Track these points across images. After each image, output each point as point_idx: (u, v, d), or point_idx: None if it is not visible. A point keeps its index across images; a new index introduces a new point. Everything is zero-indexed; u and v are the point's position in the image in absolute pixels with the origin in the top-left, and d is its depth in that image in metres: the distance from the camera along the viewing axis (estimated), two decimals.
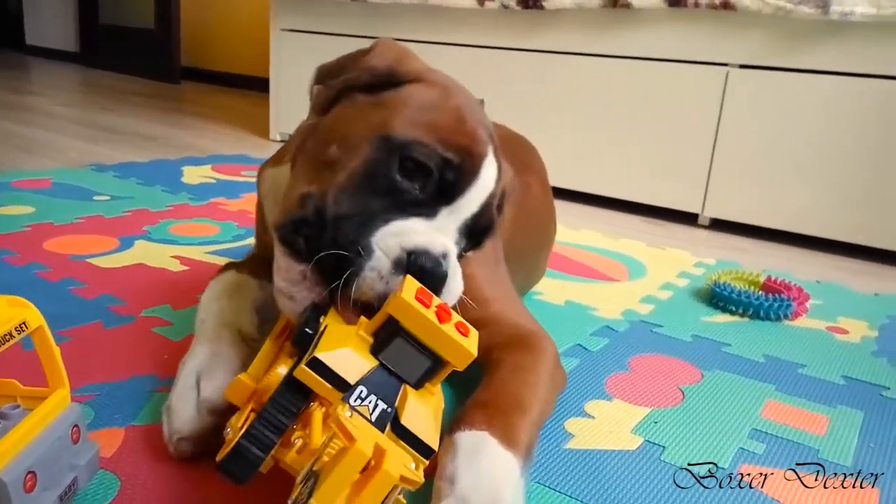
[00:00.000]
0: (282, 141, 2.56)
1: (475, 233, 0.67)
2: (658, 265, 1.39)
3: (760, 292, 1.16)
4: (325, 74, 0.75)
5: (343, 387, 0.51)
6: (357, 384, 0.51)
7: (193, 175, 1.84)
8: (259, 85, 3.78)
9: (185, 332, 0.89)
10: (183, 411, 0.62)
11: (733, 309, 1.14)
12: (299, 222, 0.62)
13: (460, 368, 0.55)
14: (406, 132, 0.63)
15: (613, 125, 1.87)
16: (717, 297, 1.17)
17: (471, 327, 0.57)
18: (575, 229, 1.61)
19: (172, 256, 1.18)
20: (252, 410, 0.54)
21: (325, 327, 0.56)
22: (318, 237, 0.61)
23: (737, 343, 1.02)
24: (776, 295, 1.15)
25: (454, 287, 0.63)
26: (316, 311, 0.58)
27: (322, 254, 0.59)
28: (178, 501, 0.58)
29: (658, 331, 1.05)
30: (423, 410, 0.52)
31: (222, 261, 1.18)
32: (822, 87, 1.59)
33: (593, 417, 0.78)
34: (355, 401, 0.51)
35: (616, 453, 0.71)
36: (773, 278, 1.22)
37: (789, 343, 1.04)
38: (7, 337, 0.51)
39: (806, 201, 1.64)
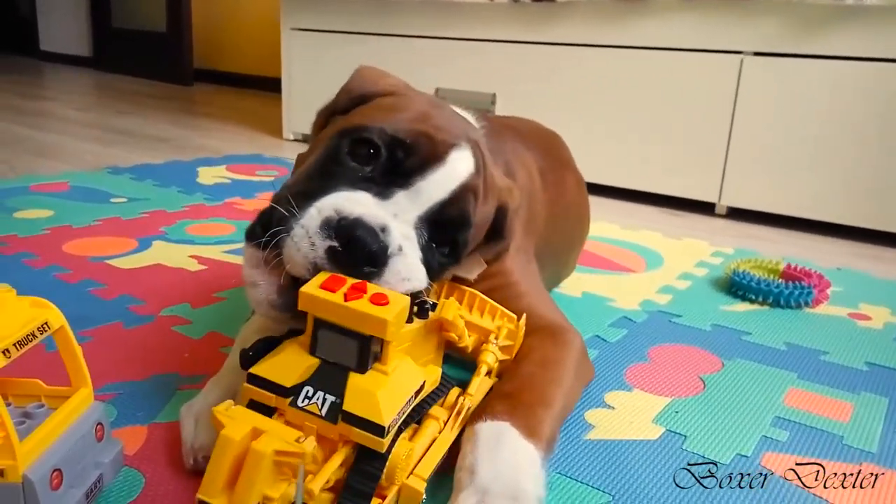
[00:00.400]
0: (295, 140, 2.56)
1: (442, 225, 0.64)
2: (675, 255, 1.38)
3: (780, 280, 1.15)
4: (320, 112, 0.77)
5: (284, 392, 0.52)
6: (302, 385, 0.52)
7: (208, 176, 1.85)
8: (271, 85, 3.80)
9: (204, 330, 0.90)
10: (205, 429, 0.61)
11: (753, 297, 1.13)
12: (262, 215, 0.63)
13: (385, 337, 0.52)
14: (359, 123, 0.65)
15: (628, 116, 1.86)
16: (736, 286, 1.16)
17: (392, 295, 0.55)
18: (591, 221, 1.60)
19: (190, 256, 1.19)
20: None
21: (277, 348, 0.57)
22: (275, 223, 0.60)
23: (757, 331, 1.01)
24: (796, 282, 1.13)
25: (402, 270, 0.59)
26: (267, 343, 0.57)
27: (272, 230, 0.58)
28: None
29: (677, 321, 1.04)
30: (366, 391, 0.51)
31: (239, 259, 1.18)
32: (839, 73, 1.57)
33: (613, 408, 0.77)
34: (303, 401, 0.52)
35: (637, 443, 0.71)
36: (792, 266, 1.20)
37: (811, 330, 1.03)
38: (30, 337, 0.52)
39: (824, 188, 1.62)
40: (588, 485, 0.63)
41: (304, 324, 0.56)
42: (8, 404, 0.56)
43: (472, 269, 0.73)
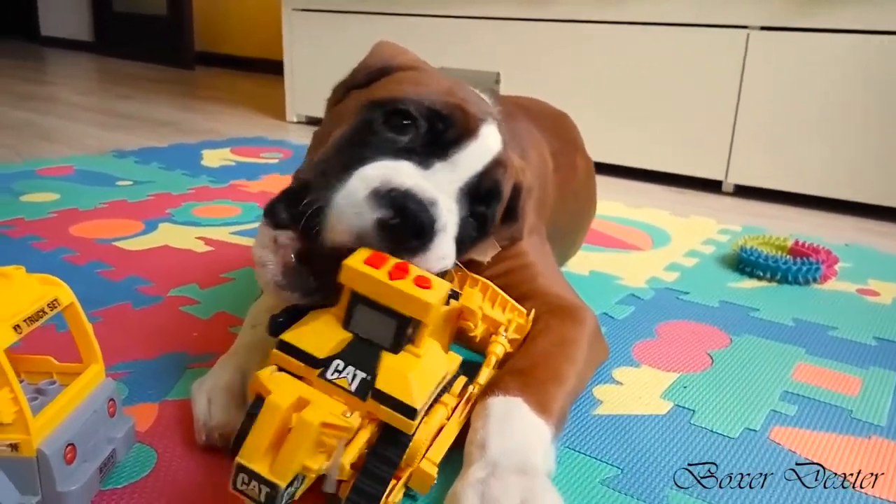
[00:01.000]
0: (298, 122, 2.56)
1: (479, 197, 0.64)
2: (682, 233, 1.38)
3: (788, 256, 1.15)
4: (336, 87, 0.76)
5: (314, 363, 0.52)
6: (332, 358, 0.52)
7: (213, 158, 1.85)
8: (273, 67, 3.78)
9: (212, 310, 0.90)
10: (218, 406, 0.62)
11: (761, 274, 1.13)
12: (287, 193, 0.61)
13: (425, 320, 0.52)
14: (391, 94, 0.64)
15: (633, 93, 1.85)
16: (743, 263, 1.15)
17: (435, 279, 0.54)
18: (598, 200, 1.60)
19: (197, 238, 1.19)
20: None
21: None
22: (299, 201, 0.57)
23: (765, 308, 1.01)
24: (804, 258, 1.13)
25: (442, 248, 0.58)
26: (293, 312, 0.56)
27: (307, 202, 0.56)
28: (214, 473, 0.59)
29: (684, 298, 1.04)
30: (400, 371, 0.51)
31: (246, 241, 1.19)
32: (846, 47, 1.55)
33: (622, 384, 0.78)
34: (332, 374, 0.51)
35: (646, 418, 0.71)
36: (800, 242, 1.20)
37: (819, 306, 1.03)
38: (40, 313, 0.52)
39: (832, 164, 1.61)
40: (597, 458, 0.63)
41: (312, 303, 0.55)
42: (20, 381, 0.56)
43: (487, 252, 0.73)
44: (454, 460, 0.58)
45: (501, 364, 0.69)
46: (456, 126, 0.63)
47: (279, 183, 1.60)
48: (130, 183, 1.54)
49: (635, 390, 0.76)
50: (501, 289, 0.71)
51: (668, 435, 0.68)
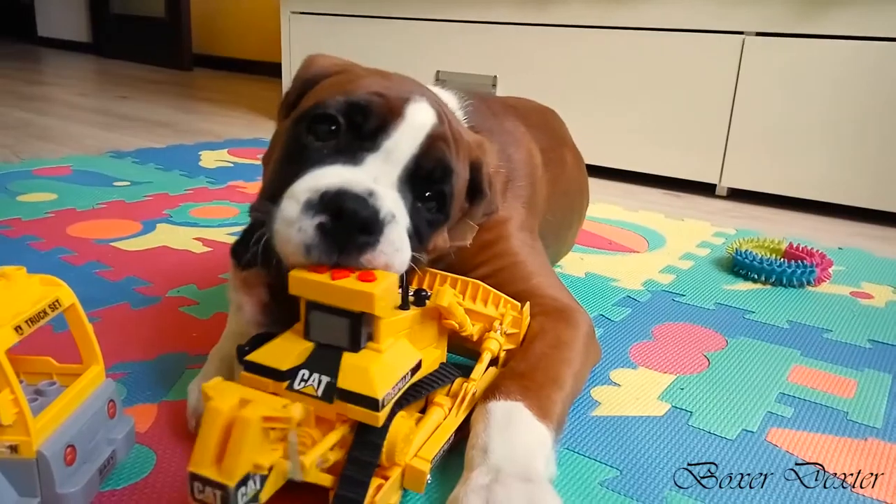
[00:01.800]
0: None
1: (423, 179, 0.62)
2: (677, 236, 1.38)
3: (782, 259, 1.15)
4: (278, 111, 0.76)
5: (280, 377, 0.52)
6: (298, 368, 0.53)
7: (210, 159, 1.85)
8: (271, 70, 3.78)
9: (211, 310, 0.90)
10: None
11: (755, 276, 1.14)
12: (244, 233, 0.62)
13: (373, 312, 0.52)
14: (309, 104, 0.64)
15: (629, 98, 1.85)
16: (738, 266, 1.16)
17: (379, 272, 0.54)
18: (592, 202, 1.60)
19: (195, 238, 1.19)
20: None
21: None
22: (255, 229, 0.58)
23: (760, 310, 1.02)
24: (799, 261, 1.14)
25: (396, 239, 0.56)
26: (262, 338, 0.57)
27: (255, 238, 0.56)
28: None
29: (680, 300, 1.04)
30: (359, 367, 0.52)
31: None
32: (841, 53, 1.56)
33: (619, 385, 0.78)
34: (299, 384, 0.52)
35: (643, 419, 0.71)
36: (794, 245, 1.21)
37: (813, 309, 1.03)
38: (41, 314, 0.52)
39: (826, 169, 1.62)
40: (596, 459, 0.64)
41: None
42: (20, 382, 0.56)
43: (465, 235, 0.72)
44: (452, 465, 0.59)
45: (499, 360, 0.70)
46: (376, 113, 0.61)
47: None
48: (128, 183, 1.54)
49: (633, 392, 0.77)
50: (493, 289, 0.71)
51: (666, 436, 0.68)
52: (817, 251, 1.18)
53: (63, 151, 1.87)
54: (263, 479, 0.47)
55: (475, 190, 0.71)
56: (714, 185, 1.80)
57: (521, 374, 0.64)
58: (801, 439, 0.69)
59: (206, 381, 0.63)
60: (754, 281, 1.14)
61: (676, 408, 0.74)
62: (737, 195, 1.79)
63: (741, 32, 1.68)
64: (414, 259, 0.61)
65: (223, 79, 3.95)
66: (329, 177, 0.56)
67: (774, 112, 1.66)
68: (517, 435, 0.57)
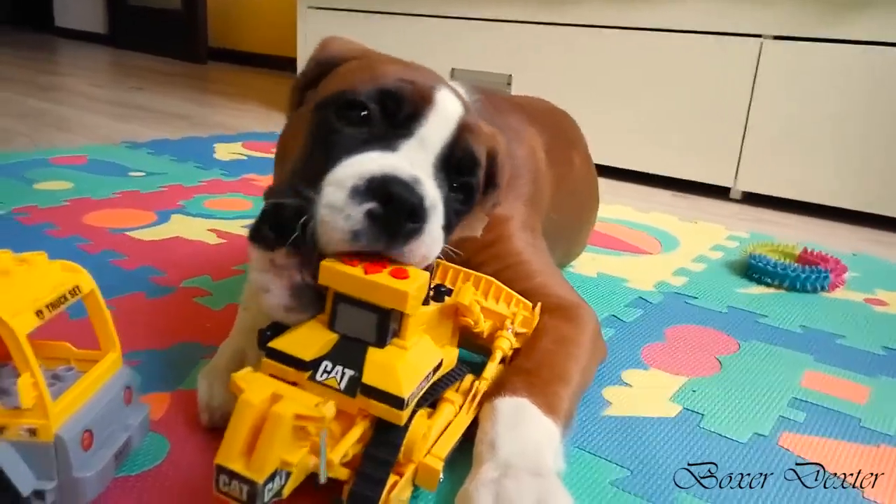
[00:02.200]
0: None
1: (456, 168, 0.62)
2: (691, 238, 1.38)
3: (797, 264, 1.15)
4: (291, 91, 0.74)
5: (303, 366, 0.52)
6: (321, 360, 0.52)
7: (225, 152, 1.85)
8: (285, 64, 3.79)
9: (224, 301, 0.91)
10: (219, 388, 0.63)
11: (769, 281, 1.13)
12: (266, 215, 0.60)
13: (404, 310, 0.52)
14: (338, 88, 0.63)
15: (644, 99, 1.85)
16: (752, 269, 1.16)
17: (412, 270, 0.54)
18: (606, 203, 1.60)
19: (209, 230, 1.20)
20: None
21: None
22: (282, 218, 0.56)
23: (773, 314, 1.01)
24: (813, 266, 1.13)
25: (435, 229, 0.56)
26: (280, 326, 0.56)
27: (283, 225, 0.55)
28: None
29: (693, 302, 1.04)
30: (385, 364, 0.52)
31: None
32: (859, 58, 1.55)
33: (630, 386, 0.78)
34: (321, 375, 0.52)
35: (654, 420, 0.71)
36: (809, 250, 1.20)
37: (827, 314, 1.03)
38: (61, 300, 0.53)
39: (842, 174, 1.61)
40: (606, 459, 0.64)
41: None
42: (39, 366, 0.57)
43: (475, 226, 0.72)
44: (461, 462, 0.59)
45: (507, 360, 0.70)
46: (409, 100, 0.60)
47: None
48: (143, 174, 1.55)
49: (644, 393, 0.77)
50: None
51: (677, 438, 0.68)
52: (832, 257, 1.17)
53: (79, 141, 1.88)
54: (288, 474, 0.47)
55: (489, 181, 0.70)
56: (729, 189, 1.79)
57: (527, 371, 0.64)
58: (813, 444, 0.69)
59: (214, 374, 0.64)
60: (768, 285, 1.13)
61: (688, 410, 0.74)
62: (751, 199, 1.78)
63: (759, 36, 1.67)
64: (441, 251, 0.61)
65: (238, 72, 3.96)
66: (372, 163, 0.55)
67: (791, 116, 1.65)
68: (525, 430, 0.57)
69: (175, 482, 0.57)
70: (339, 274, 0.53)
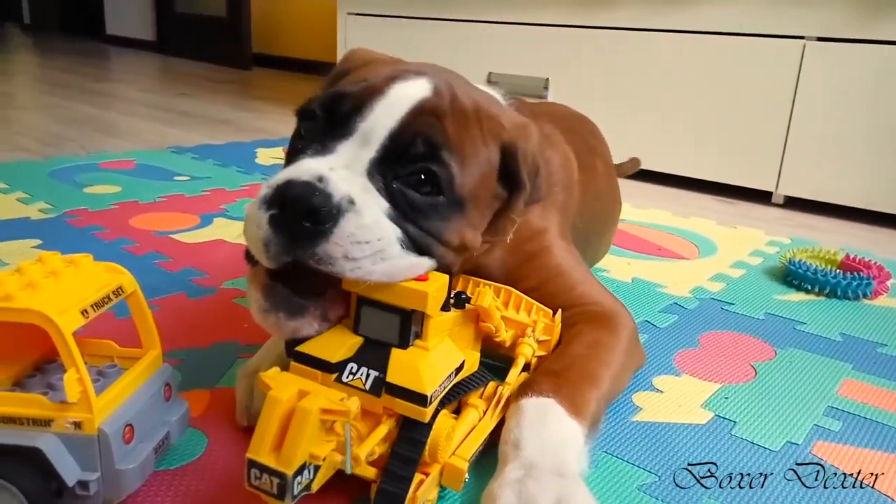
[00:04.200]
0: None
1: (405, 158, 0.56)
2: (729, 243, 1.36)
3: (838, 270, 1.13)
4: None
5: (329, 369, 0.54)
6: (346, 362, 0.54)
7: (266, 157, 1.89)
8: (327, 70, 3.83)
9: None
10: (258, 392, 0.63)
11: (809, 287, 1.11)
12: None
13: (424, 310, 0.54)
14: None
15: (684, 102, 1.83)
16: (792, 276, 1.14)
17: (432, 273, 0.56)
18: (642, 208, 1.59)
19: None
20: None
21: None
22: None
23: (812, 321, 1.00)
24: (855, 273, 1.11)
25: (355, 231, 0.52)
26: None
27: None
28: None
29: (729, 308, 1.03)
30: (409, 364, 0.53)
31: None
32: None
33: (662, 392, 0.78)
34: (347, 377, 0.54)
35: (685, 427, 0.71)
36: (851, 256, 1.18)
37: (868, 322, 1.01)
38: (105, 300, 0.55)
39: (887, 179, 1.57)
40: (635, 464, 0.64)
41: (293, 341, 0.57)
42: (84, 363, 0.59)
43: (505, 229, 0.67)
44: (487, 462, 0.60)
45: (531, 366, 0.70)
46: (352, 98, 0.57)
47: None
48: (188, 178, 1.60)
49: (675, 399, 0.76)
50: (539, 301, 0.72)
51: (707, 445, 0.68)
52: (875, 263, 1.15)
53: (127, 146, 1.95)
54: (317, 468, 0.49)
55: (511, 178, 0.65)
56: (770, 193, 1.76)
57: (555, 373, 0.64)
58: (847, 454, 0.68)
59: (255, 376, 0.65)
60: (807, 292, 1.11)
61: (720, 417, 0.73)
62: (793, 203, 1.75)
63: (802, 37, 1.64)
64: (438, 256, 0.59)
65: (281, 78, 4.03)
66: (289, 170, 0.54)
67: (835, 119, 1.62)
68: (549, 430, 0.58)
69: (213, 476, 0.59)
70: None
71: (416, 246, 0.57)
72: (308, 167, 0.54)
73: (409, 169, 0.57)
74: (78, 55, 4.52)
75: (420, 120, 0.57)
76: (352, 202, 0.53)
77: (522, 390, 0.62)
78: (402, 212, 0.56)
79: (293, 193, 0.51)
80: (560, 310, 0.72)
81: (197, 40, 4.60)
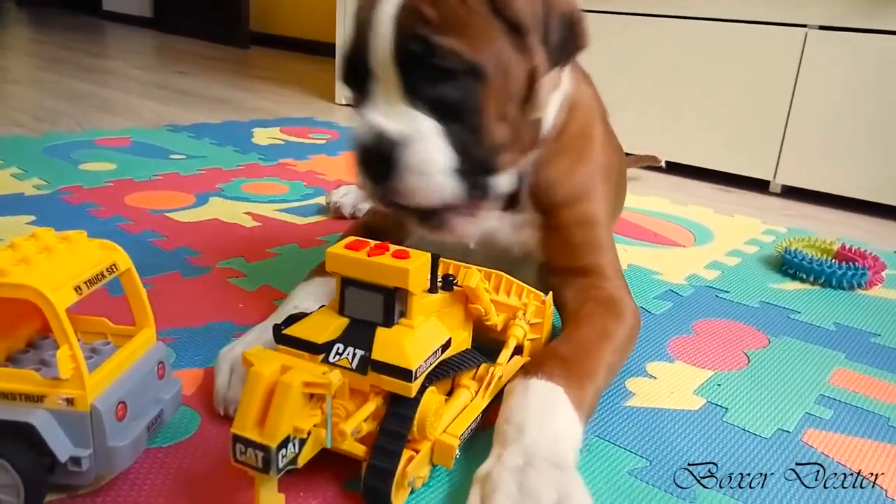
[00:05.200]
0: (347, 104, 2.58)
1: (416, 65, 0.61)
2: (726, 232, 1.36)
3: (833, 260, 1.13)
4: None
5: (316, 350, 0.55)
6: (332, 342, 0.55)
7: (263, 136, 1.88)
8: (325, 49, 3.81)
9: (258, 283, 0.93)
10: (240, 378, 0.63)
11: (804, 277, 1.12)
12: None
13: (407, 287, 0.54)
14: None
15: (683, 89, 1.82)
16: (787, 265, 1.14)
17: (413, 251, 0.57)
18: (640, 194, 1.59)
19: (245, 213, 1.22)
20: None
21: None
22: None
23: (806, 310, 1.00)
24: (850, 263, 1.11)
25: (416, 162, 0.61)
26: (297, 318, 0.59)
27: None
28: None
29: (724, 296, 1.03)
30: (393, 341, 0.54)
31: (291, 218, 1.22)
32: None
33: (655, 378, 0.78)
34: (334, 357, 0.55)
35: (677, 412, 0.71)
36: (847, 246, 1.18)
37: (862, 312, 1.01)
38: (99, 276, 0.55)
39: (886, 169, 1.57)
40: (626, 449, 0.64)
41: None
42: (77, 340, 0.59)
43: (539, 99, 0.66)
44: (477, 442, 0.60)
45: (524, 349, 0.71)
46: (356, 44, 0.64)
47: (326, 163, 1.63)
48: (183, 157, 1.59)
49: (668, 385, 0.76)
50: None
51: (699, 430, 0.68)
52: (870, 253, 1.15)
53: (123, 123, 1.93)
54: (302, 443, 0.49)
55: (565, 39, 0.66)
56: (768, 182, 1.76)
57: (564, 359, 0.63)
58: (837, 442, 0.68)
59: (238, 358, 0.64)
60: (802, 281, 1.12)
61: (712, 403, 0.73)
62: (791, 193, 1.75)
63: (804, 25, 1.63)
64: (482, 171, 0.65)
65: (279, 57, 4.00)
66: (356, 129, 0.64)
67: (835, 109, 1.61)
68: (554, 421, 0.57)
69: (205, 455, 0.59)
70: (344, 259, 0.56)
71: (468, 155, 0.63)
72: (364, 122, 0.62)
73: (428, 73, 0.61)
74: (74, 31, 4.48)
75: (404, 25, 0.60)
76: (403, 137, 0.60)
77: (530, 368, 0.62)
78: (443, 114, 0.62)
79: (359, 140, 0.61)
80: (551, 293, 0.72)
81: (194, 18, 4.55)
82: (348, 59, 0.65)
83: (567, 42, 0.68)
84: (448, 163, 0.61)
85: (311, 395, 0.50)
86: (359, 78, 0.64)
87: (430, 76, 0.61)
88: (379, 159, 0.60)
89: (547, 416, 0.58)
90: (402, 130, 0.60)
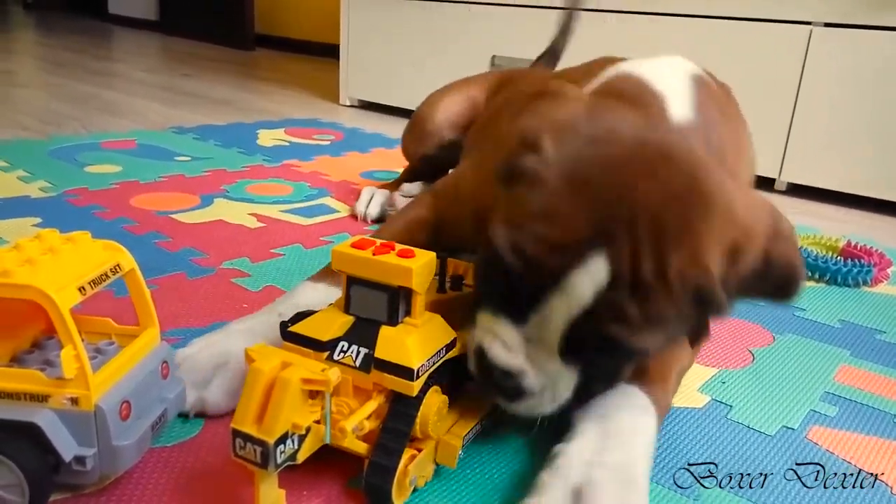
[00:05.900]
0: (351, 105, 2.58)
1: (587, 344, 0.53)
2: None
3: (838, 257, 1.12)
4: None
5: (321, 347, 0.55)
6: (337, 340, 0.55)
7: (268, 138, 1.89)
8: (329, 51, 3.82)
9: (262, 283, 0.93)
10: (218, 388, 0.63)
11: (809, 274, 1.11)
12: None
13: (410, 286, 0.54)
14: (493, 231, 0.56)
15: None
16: None
17: (418, 251, 0.56)
18: None
19: (249, 214, 1.23)
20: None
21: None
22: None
23: (812, 308, 1.00)
24: (855, 260, 1.11)
25: (545, 403, 0.56)
26: (303, 316, 0.59)
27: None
28: None
29: None
30: (396, 339, 0.54)
31: (296, 219, 1.22)
32: None
33: None
34: (339, 355, 0.55)
35: (682, 410, 0.71)
36: (852, 243, 1.17)
37: (868, 309, 1.01)
38: (103, 277, 0.55)
39: (891, 166, 1.56)
40: None
41: None
42: (81, 340, 0.59)
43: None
44: (482, 441, 0.60)
45: None
46: (535, 271, 0.51)
47: (331, 164, 1.63)
48: (188, 159, 1.59)
49: None
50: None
51: (704, 428, 0.68)
52: (876, 250, 1.15)
53: (128, 126, 1.94)
54: (301, 439, 0.50)
55: (776, 285, 0.59)
56: (773, 180, 1.76)
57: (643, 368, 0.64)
58: (842, 439, 0.68)
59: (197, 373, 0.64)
60: (808, 278, 1.11)
61: (716, 401, 0.73)
62: (797, 190, 1.74)
63: (808, 23, 1.63)
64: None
65: (283, 59, 4.01)
66: (487, 346, 0.55)
67: (840, 106, 1.61)
68: (636, 424, 0.58)
69: (209, 453, 0.59)
70: (348, 257, 0.56)
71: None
72: (502, 357, 0.54)
73: (593, 352, 0.54)
74: (80, 34, 4.50)
75: (598, 316, 0.50)
76: (533, 390, 0.55)
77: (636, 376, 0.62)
78: (589, 371, 0.56)
79: (495, 379, 0.55)
80: None
81: (199, 20, 4.57)
82: (516, 277, 0.52)
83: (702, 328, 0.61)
84: (570, 395, 0.57)
85: (315, 393, 0.50)
86: (515, 299, 0.54)
87: (594, 347, 0.54)
88: (509, 388, 0.55)
89: (636, 419, 0.58)
90: (543, 383, 0.55)
